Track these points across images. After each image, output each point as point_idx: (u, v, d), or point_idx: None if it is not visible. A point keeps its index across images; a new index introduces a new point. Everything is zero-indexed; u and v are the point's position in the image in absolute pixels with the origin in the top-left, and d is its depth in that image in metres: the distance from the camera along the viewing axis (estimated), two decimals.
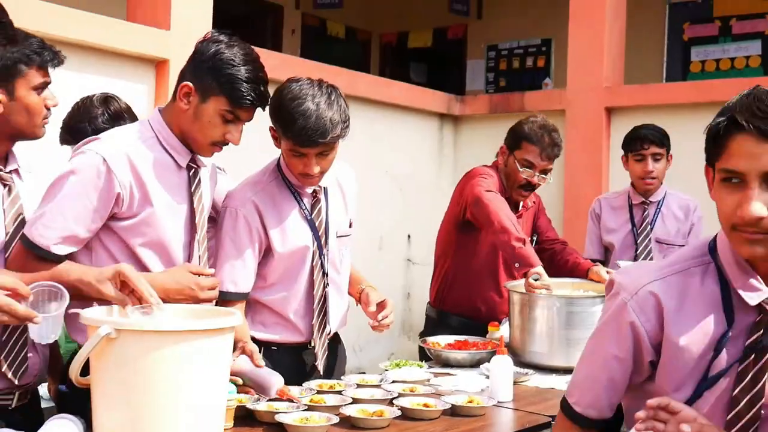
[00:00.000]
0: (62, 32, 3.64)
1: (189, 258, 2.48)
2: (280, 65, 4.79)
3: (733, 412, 1.62)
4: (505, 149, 3.77)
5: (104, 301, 2.14)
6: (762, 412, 1.62)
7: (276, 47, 9.07)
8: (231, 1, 6.20)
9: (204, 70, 2.37)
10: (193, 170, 2.47)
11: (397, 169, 5.90)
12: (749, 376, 1.62)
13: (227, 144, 2.44)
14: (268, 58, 4.70)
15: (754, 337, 1.62)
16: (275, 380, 2.44)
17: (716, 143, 1.58)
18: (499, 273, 3.80)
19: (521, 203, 3.88)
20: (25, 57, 2.21)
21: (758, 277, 1.64)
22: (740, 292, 1.64)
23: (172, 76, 3.97)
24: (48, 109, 2.31)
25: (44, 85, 2.28)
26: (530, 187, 3.74)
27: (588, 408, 1.81)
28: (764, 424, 1.63)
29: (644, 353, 1.72)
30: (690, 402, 1.63)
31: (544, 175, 3.72)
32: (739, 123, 1.52)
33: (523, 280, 3.36)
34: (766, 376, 1.61)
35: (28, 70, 2.22)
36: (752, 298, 1.63)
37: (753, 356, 1.62)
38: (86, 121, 2.79)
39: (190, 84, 2.38)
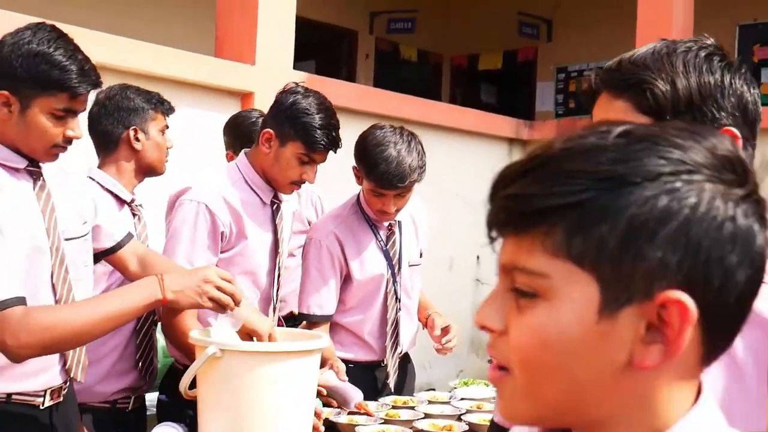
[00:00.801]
0: (157, 69, 3.94)
1: (272, 283, 2.76)
2: (357, 96, 5.05)
3: None
4: None
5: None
6: None
7: (350, 71, 9.34)
8: (308, 29, 6.48)
9: (283, 119, 2.63)
10: (275, 205, 2.75)
11: (466, 192, 6.04)
12: None
13: (304, 182, 2.70)
14: (345, 89, 5.01)
15: None
16: (356, 395, 2.70)
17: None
18: None
19: None
20: (153, 105, 2.68)
21: None
22: None
23: (257, 107, 4.23)
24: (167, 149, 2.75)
25: (165, 129, 2.73)
26: None
27: None
28: None
29: None
30: None
31: None
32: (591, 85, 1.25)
33: None
34: None
35: (156, 115, 2.69)
36: None
37: None
38: (249, 127, 3.25)
39: (271, 131, 2.64)
